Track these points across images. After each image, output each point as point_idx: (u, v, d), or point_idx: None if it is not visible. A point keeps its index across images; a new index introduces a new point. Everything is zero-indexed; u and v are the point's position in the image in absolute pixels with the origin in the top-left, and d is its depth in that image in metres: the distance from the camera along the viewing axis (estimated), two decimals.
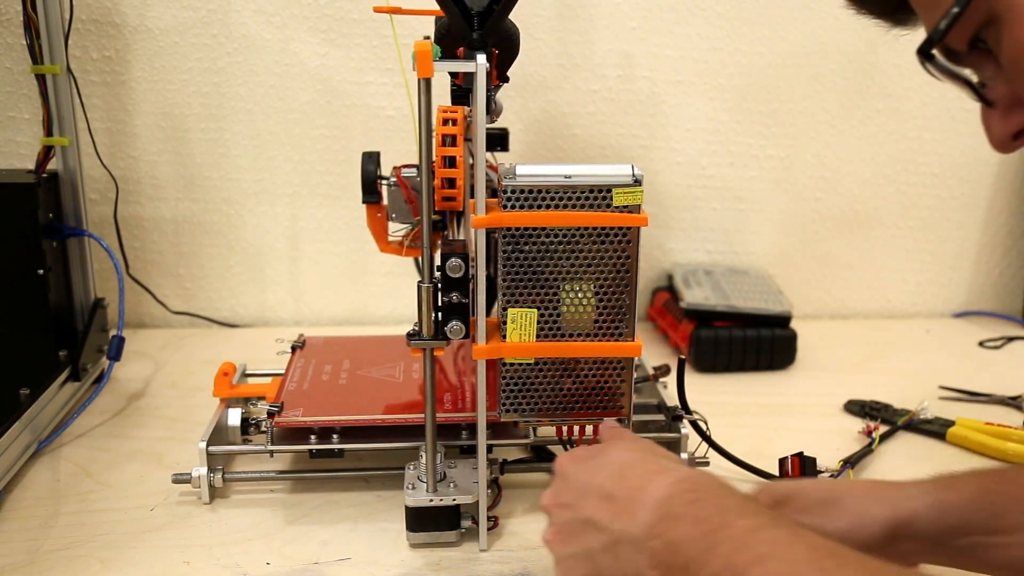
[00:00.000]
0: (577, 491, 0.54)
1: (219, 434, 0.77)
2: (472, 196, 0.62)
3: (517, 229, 0.64)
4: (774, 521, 0.45)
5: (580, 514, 0.52)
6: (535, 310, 0.65)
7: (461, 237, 0.74)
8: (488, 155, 0.79)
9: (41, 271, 0.89)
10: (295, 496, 0.76)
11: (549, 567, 0.66)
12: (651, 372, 0.88)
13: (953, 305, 1.30)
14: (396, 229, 0.80)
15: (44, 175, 0.90)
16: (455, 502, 0.67)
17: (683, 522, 0.47)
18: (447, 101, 0.75)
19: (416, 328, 0.65)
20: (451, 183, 0.68)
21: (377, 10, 0.72)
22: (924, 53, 0.47)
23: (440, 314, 0.65)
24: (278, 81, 1.11)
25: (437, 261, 0.65)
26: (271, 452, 0.76)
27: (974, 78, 0.49)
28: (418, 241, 0.68)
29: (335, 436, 0.75)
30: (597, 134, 1.17)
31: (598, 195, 0.63)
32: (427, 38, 0.71)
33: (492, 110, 0.73)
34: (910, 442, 0.88)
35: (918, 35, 0.49)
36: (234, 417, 0.79)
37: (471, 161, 0.65)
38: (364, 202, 0.77)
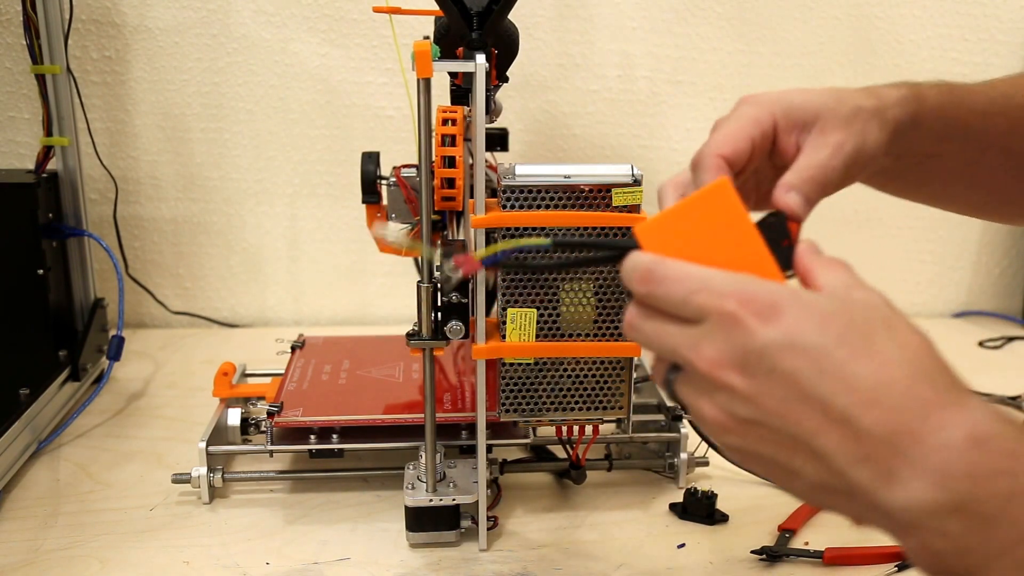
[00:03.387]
0: (784, 381, 0.35)
1: (219, 434, 0.77)
2: (472, 196, 0.62)
3: (517, 229, 0.64)
4: None
5: (786, 423, 0.36)
6: (535, 310, 0.65)
7: (460, 237, 0.74)
8: (488, 155, 0.79)
9: (41, 271, 0.89)
10: (295, 496, 0.76)
11: (549, 567, 0.66)
12: (651, 372, 0.88)
13: (953, 305, 1.30)
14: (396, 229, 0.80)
15: (44, 175, 0.90)
16: (455, 502, 0.67)
17: (984, 522, 0.32)
18: (447, 101, 0.75)
19: (416, 328, 0.65)
20: (451, 183, 0.68)
21: (377, 10, 0.72)
22: None
23: (439, 314, 0.65)
24: (278, 81, 1.11)
25: (437, 261, 0.65)
26: (271, 452, 0.76)
27: None
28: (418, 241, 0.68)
29: (335, 436, 0.75)
30: (597, 134, 1.17)
31: (598, 195, 0.63)
32: (427, 38, 0.71)
33: (492, 110, 0.73)
34: None
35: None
36: (234, 417, 0.79)
37: (471, 161, 0.65)
38: (364, 202, 0.77)
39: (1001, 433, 0.33)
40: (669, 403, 0.81)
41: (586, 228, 0.64)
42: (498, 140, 0.77)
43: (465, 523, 0.68)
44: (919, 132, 0.54)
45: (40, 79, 0.89)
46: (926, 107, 0.55)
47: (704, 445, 0.79)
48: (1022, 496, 0.32)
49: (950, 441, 0.33)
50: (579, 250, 0.49)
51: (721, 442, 0.39)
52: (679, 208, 0.42)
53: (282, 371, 0.85)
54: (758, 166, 0.52)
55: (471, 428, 0.75)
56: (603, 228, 0.64)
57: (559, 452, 0.78)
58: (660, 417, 0.81)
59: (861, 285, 0.38)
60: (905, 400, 0.34)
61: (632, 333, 0.42)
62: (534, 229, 0.64)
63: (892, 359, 0.35)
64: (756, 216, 0.45)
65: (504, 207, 0.63)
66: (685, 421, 0.78)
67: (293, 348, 0.91)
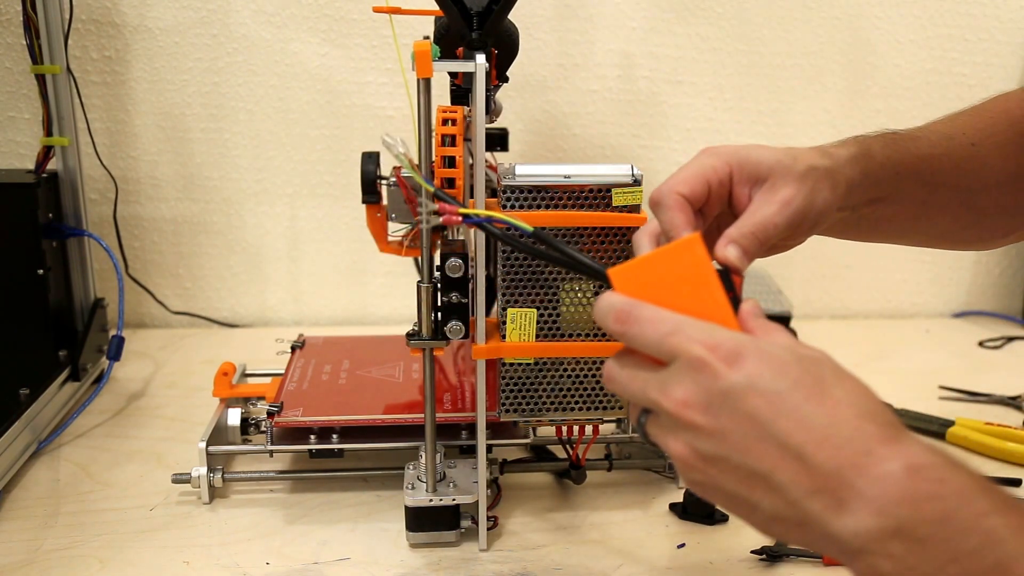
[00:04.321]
0: (745, 421, 0.39)
1: (219, 434, 0.77)
2: (471, 196, 0.62)
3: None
4: None
5: (747, 459, 0.39)
6: (534, 310, 0.65)
7: (460, 237, 0.74)
8: (488, 155, 0.79)
9: (41, 271, 0.89)
10: (295, 496, 0.76)
11: (549, 567, 0.66)
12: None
13: (953, 305, 1.30)
14: (396, 229, 0.80)
15: (44, 175, 0.90)
16: (455, 502, 0.67)
17: (919, 543, 0.35)
18: (447, 101, 0.75)
19: (416, 328, 0.65)
20: (451, 183, 0.68)
21: (377, 10, 0.72)
22: None
23: (440, 314, 0.65)
24: (278, 81, 1.11)
25: (437, 261, 0.65)
26: (271, 452, 0.76)
27: None
28: (418, 241, 0.68)
29: (335, 436, 0.75)
30: (597, 134, 1.17)
31: (598, 195, 0.64)
32: (427, 38, 0.71)
33: (492, 110, 0.73)
34: None
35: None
36: (234, 417, 0.79)
37: (471, 161, 0.65)
38: (364, 202, 0.77)
39: (932, 463, 0.37)
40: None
41: (588, 227, 0.64)
42: (498, 140, 0.77)
43: (465, 523, 0.68)
44: (869, 184, 0.59)
45: (40, 79, 0.89)
46: (875, 162, 0.59)
47: None
48: (950, 518, 0.35)
49: (890, 472, 0.36)
50: (559, 254, 0.52)
51: (687, 477, 0.43)
52: (651, 257, 0.46)
53: (282, 371, 0.85)
54: (720, 213, 0.56)
55: (471, 428, 0.75)
56: (602, 228, 0.64)
57: (559, 452, 0.78)
58: None
59: (804, 345, 0.42)
60: (852, 437, 0.37)
61: (610, 384, 0.46)
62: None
63: (841, 401, 0.39)
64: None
65: (504, 207, 0.63)
66: None
67: (293, 348, 0.91)
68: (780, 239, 0.54)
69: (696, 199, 0.53)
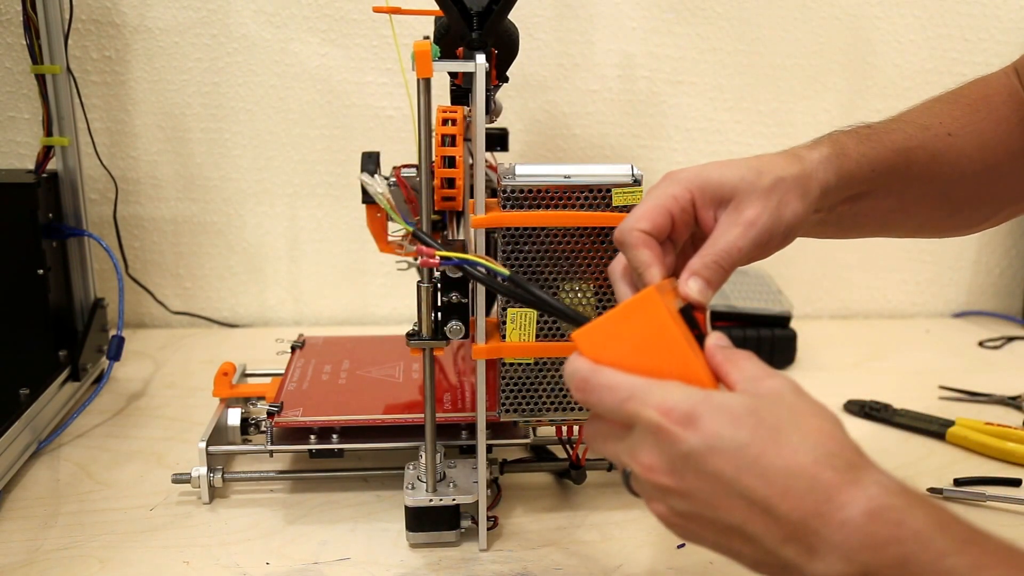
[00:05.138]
0: (710, 480, 0.40)
1: (219, 434, 0.77)
2: (472, 196, 0.62)
3: (516, 229, 0.64)
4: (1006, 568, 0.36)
5: (719, 515, 0.40)
6: (535, 310, 0.65)
7: (460, 237, 0.74)
8: (488, 155, 0.79)
9: (41, 271, 0.89)
10: (295, 496, 0.76)
11: (549, 567, 0.66)
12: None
13: (953, 305, 1.30)
14: (396, 229, 0.80)
15: (44, 175, 0.90)
16: (455, 502, 0.67)
17: None
18: (447, 101, 0.75)
19: (416, 328, 0.65)
20: (451, 183, 0.68)
21: (377, 10, 0.72)
22: None
23: (439, 314, 0.65)
24: (278, 81, 1.11)
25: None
26: (271, 452, 0.76)
27: None
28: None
29: (335, 436, 0.75)
30: (597, 134, 1.17)
31: (597, 195, 0.63)
32: (427, 38, 0.71)
33: (492, 110, 0.73)
34: (909, 441, 0.88)
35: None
36: (234, 417, 0.79)
37: (471, 161, 0.65)
38: (364, 202, 0.77)
39: (891, 505, 0.38)
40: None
41: (588, 227, 0.64)
42: (498, 140, 0.77)
43: (465, 523, 0.68)
44: (844, 184, 0.58)
45: (40, 79, 0.89)
46: (849, 160, 0.58)
47: None
48: (909, 561, 0.36)
49: (850, 518, 0.37)
50: (532, 298, 0.54)
51: (673, 532, 0.44)
52: (611, 316, 0.47)
53: (282, 371, 0.85)
54: (693, 235, 0.55)
55: (471, 428, 0.75)
56: (602, 228, 0.64)
57: (559, 452, 0.78)
58: None
59: (769, 374, 0.43)
60: (811, 486, 0.38)
61: (588, 442, 0.48)
62: (534, 230, 0.64)
63: (798, 448, 0.39)
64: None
65: (504, 207, 0.63)
66: None
67: (293, 348, 0.91)
68: (749, 259, 0.53)
69: (659, 231, 0.52)
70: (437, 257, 0.56)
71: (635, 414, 0.42)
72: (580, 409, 0.69)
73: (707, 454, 0.40)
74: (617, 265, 0.54)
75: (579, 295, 0.65)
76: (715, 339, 0.47)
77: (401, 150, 1.08)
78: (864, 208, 0.61)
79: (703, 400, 0.41)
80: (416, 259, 0.59)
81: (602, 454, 0.46)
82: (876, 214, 0.62)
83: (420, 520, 0.68)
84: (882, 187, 0.60)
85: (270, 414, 0.74)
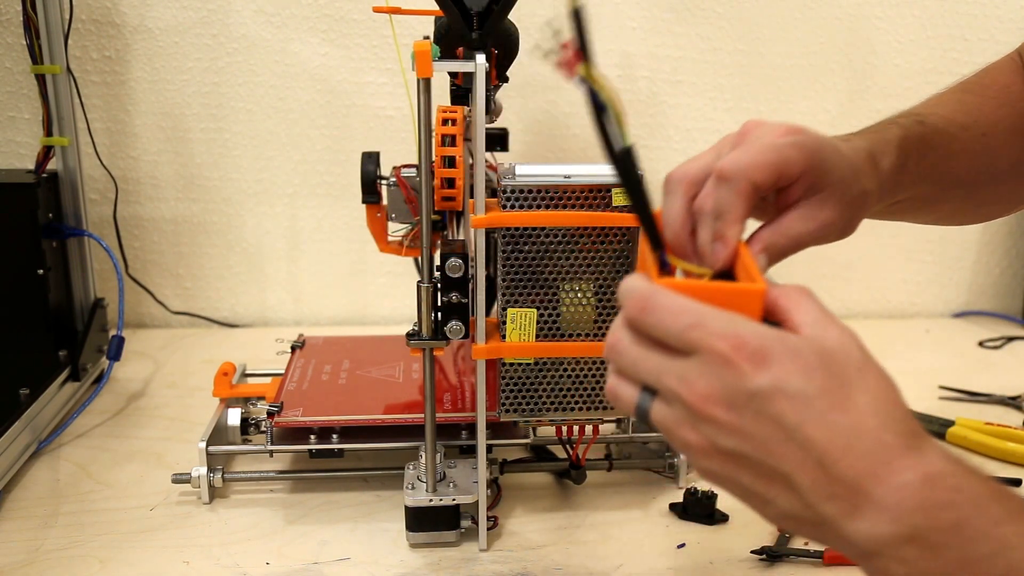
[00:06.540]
0: (770, 423, 0.38)
1: (219, 434, 0.77)
2: (472, 196, 0.62)
3: (516, 229, 0.64)
4: None
5: (768, 459, 0.39)
6: (534, 310, 0.65)
7: (460, 237, 0.74)
8: (488, 155, 0.79)
9: (41, 271, 0.89)
10: (295, 496, 0.76)
11: (549, 567, 0.66)
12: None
13: (953, 305, 1.30)
14: (396, 229, 0.80)
15: (44, 175, 0.90)
16: (455, 502, 0.67)
17: (932, 549, 0.36)
18: (447, 101, 0.75)
19: (416, 328, 0.65)
20: (450, 183, 0.68)
21: (377, 10, 0.72)
22: None
23: (440, 314, 0.65)
24: (278, 81, 1.11)
25: (437, 261, 0.65)
26: (271, 452, 0.76)
27: None
28: (418, 241, 0.68)
29: (335, 436, 0.75)
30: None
31: (597, 195, 0.63)
32: (427, 38, 0.71)
33: (491, 110, 0.73)
34: None
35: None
36: (234, 417, 0.79)
37: (471, 161, 0.65)
38: (364, 202, 0.77)
39: (951, 471, 0.37)
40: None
41: (588, 227, 0.64)
42: (498, 140, 0.77)
43: (465, 523, 0.68)
44: (890, 195, 0.58)
45: (40, 79, 0.89)
46: (908, 176, 0.58)
47: None
48: (963, 526, 0.36)
49: (907, 482, 0.37)
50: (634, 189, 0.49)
51: (700, 466, 0.42)
52: (705, 287, 0.42)
53: (282, 371, 0.85)
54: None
55: (471, 428, 0.75)
56: (602, 228, 0.64)
57: (559, 452, 0.78)
58: None
59: (833, 320, 0.41)
60: (873, 448, 0.37)
61: (613, 354, 0.43)
62: (534, 230, 0.64)
63: (865, 410, 0.38)
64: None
65: (504, 207, 0.63)
66: None
67: (293, 348, 0.91)
68: (804, 247, 0.53)
69: (764, 189, 0.48)
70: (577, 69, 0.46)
71: (699, 342, 0.39)
72: (580, 409, 0.69)
73: (774, 396, 0.38)
74: (681, 172, 0.51)
75: (579, 295, 0.65)
76: (787, 288, 0.43)
77: (401, 150, 1.08)
78: (892, 210, 0.61)
79: (777, 340, 0.39)
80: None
81: (631, 368, 0.42)
82: (898, 214, 0.62)
83: (420, 520, 0.68)
84: (919, 193, 0.61)
85: (270, 414, 0.74)
